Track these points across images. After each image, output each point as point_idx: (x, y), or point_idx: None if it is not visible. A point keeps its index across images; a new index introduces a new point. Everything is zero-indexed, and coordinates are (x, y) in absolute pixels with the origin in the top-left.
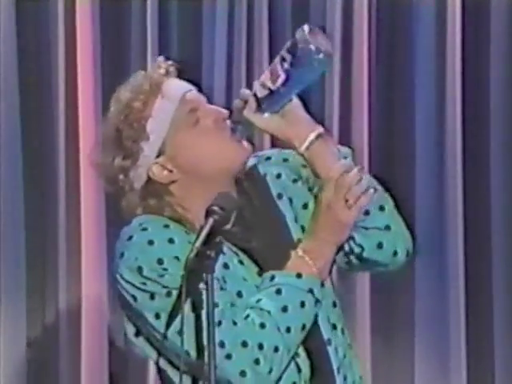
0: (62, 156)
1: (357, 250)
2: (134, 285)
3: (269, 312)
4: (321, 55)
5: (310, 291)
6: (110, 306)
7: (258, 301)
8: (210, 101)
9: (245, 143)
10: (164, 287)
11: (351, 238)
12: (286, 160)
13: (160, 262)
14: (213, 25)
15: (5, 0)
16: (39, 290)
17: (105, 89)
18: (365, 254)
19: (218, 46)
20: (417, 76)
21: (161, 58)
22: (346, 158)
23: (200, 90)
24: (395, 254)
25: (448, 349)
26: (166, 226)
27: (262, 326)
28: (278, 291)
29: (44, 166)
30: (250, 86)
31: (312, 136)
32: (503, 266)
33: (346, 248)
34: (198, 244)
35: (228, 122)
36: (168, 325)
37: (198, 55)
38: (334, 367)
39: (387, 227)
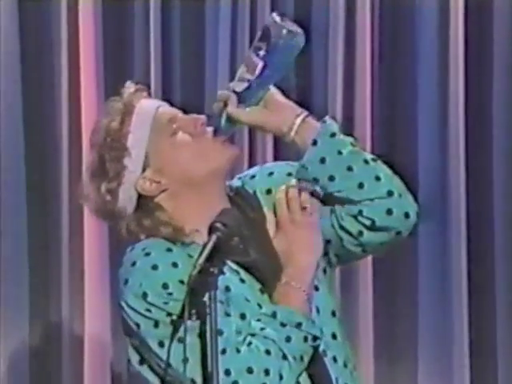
0: (65, 156)
1: (368, 222)
2: (138, 311)
3: (273, 340)
4: (294, 38)
5: (314, 337)
6: (112, 336)
7: (262, 329)
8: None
9: (229, 143)
10: (168, 315)
11: (359, 213)
12: (271, 174)
13: (165, 286)
14: (216, 25)
15: (7, 0)
16: (42, 317)
17: (108, 89)
18: (377, 224)
19: (221, 46)
20: (419, 76)
21: (128, 82)
22: (333, 135)
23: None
24: (407, 216)
25: (451, 362)
26: (169, 250)
27: (268, 352)
28: (283, 324)
29: (47, 166)
30: None
31: (298, 120)
32: (507, 273)
33: (358, 227)
34: (201, 261)
35: (209, 126)
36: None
37: (201, 56)
38: (333, 377)
39: (390, 193)
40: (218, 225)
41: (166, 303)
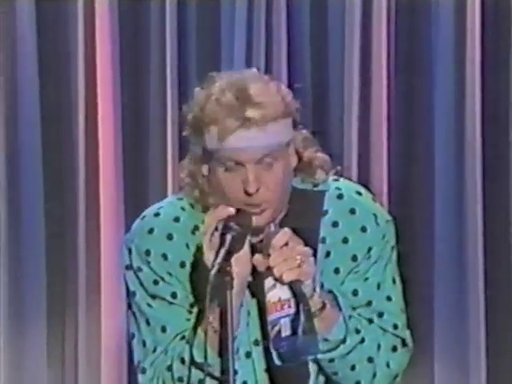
0: (81, 153)
1: None
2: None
3: None
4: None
5: None
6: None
7: None
8: None
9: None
10: (140, 284)
11: None
12: (364, 229)
13: (148, 253)
14: (231, 28)
15: (25, 2)
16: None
17: (124, 88)
18: None
19: (236, 49)
20: (436, 80)
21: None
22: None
23: None
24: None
25: (468, 360)
26: (176, 220)
27: None
28: None
29: (63, 162)
30: None
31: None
32: None
33: None
34: (219, 260)
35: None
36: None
37: (217, 59)
38: None
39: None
40: (232, 224)
41: (139, 269)
